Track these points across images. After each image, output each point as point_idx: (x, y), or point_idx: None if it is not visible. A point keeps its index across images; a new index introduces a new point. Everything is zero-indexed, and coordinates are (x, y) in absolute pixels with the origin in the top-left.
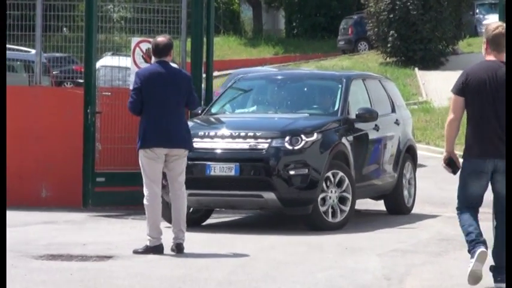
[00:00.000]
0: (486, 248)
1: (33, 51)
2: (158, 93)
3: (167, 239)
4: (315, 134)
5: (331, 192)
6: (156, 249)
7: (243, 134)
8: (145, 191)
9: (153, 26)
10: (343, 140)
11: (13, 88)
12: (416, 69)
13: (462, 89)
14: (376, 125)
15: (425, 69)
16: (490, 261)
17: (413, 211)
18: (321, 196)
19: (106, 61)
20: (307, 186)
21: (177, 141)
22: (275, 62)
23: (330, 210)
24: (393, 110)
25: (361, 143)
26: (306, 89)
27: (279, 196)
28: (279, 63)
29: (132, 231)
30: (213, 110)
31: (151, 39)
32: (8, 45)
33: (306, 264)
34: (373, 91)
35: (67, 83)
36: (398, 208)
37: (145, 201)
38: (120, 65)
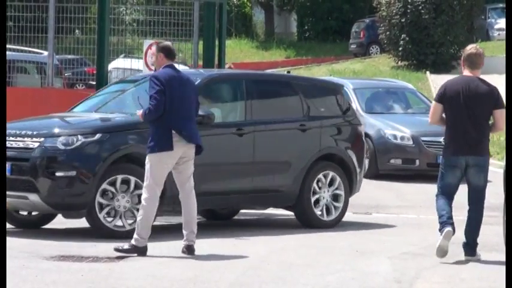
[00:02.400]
0: (453, 229)
1: (45, 53)
2: (178, 96)
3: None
4: (98, 135)
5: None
6: (141, 250)
7: (22, 132)
8: (146, 193)
9: (165, 28)
10: None
11: (25, 89)
12: (427, 73)
13: (440, 98)
14: (239, 129)
15: (437, 73)
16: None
17: (423, 215)
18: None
19: (118, 63)
20: (75, 189)
21: (196, 141)
22: (287, 65)
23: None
24: (306, 115)
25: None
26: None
27: (43, 198)
28: (290, 66)
29: None
30: (76, 109)
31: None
32: (20, 47)
33: (316, 266)
34: (264, 93)
35: (79, 85)
36: (307, 221)
37: (144, 203)
38: (132, 67)
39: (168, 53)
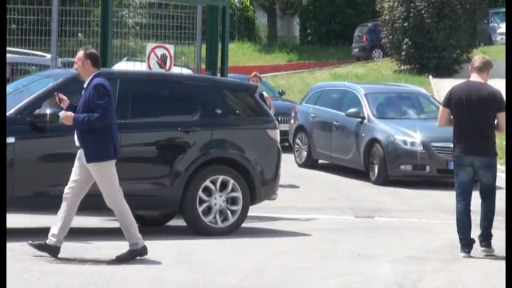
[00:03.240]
0: (469, 249)
1: (48, 56)
2: (114, 106)
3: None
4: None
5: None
6: (141, 251)
7: None
8: (115, 206)
9: (168, 31)
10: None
11: None
12: (430, 77)
13: (447, 103)
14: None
15: (440, 77)
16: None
17: (425, 219)
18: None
19: (121, 66)
20: None
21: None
22: (289, 68)
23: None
24: (196, 117)
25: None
26: None
27: None
28: (293, 69)
29: (145, 235)
30: None
31: (166, 45)
32: (23, 50)
33: (318, 270)
34: (143, 94)
35: None
36: (198, 229)
37: (118, 216)
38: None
39: (95, 61)
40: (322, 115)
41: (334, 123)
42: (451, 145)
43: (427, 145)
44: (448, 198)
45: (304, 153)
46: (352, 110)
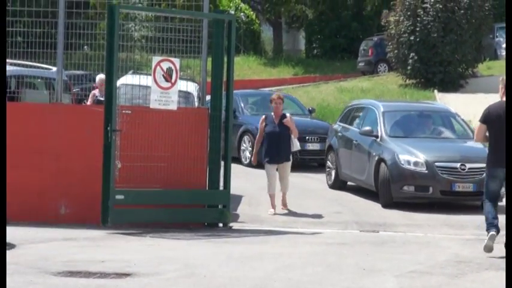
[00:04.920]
0: (497, 230)
1: (54, 68)
2: None
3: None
4: None
5: None
6: None
7: None
8: None
9: (174, 45)
10: None
11: (34, 105)
12: (435, 91)
13: (484, 119)
14: None
15: (445, 92)
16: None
17: (430, 233)
18: None
19: (127, 79)
20: None
21: None
22: (295, 82)
23: None
24: None
25: None
26: None
27: None
28: (298, 83)
29: (150, 249)
30: None
31: (172, 59)
32: (29, 63)
33: (323, 284)
34: None
35: (87, 101)
36: None
37: None
38: (141, 84)
39: None
40: (346, 134)
41: (354, 142)
42: (456, 165)
43: (431, 165)
44: (453, 213)
45: (333, 174)
46: (365, 129)
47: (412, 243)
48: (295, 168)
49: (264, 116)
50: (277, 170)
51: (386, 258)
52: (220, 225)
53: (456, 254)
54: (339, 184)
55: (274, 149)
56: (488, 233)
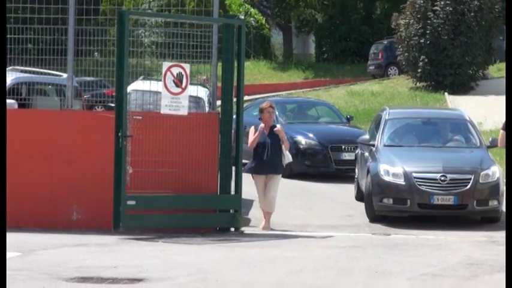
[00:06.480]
0: None
1: (64, 75)
2: None
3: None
4: None
5: None
6: None
7: None
8: None
9: (184, 50)
10: None
11: (45, 112)
12: (446, 94)
13: (505, 126)
14: None
15: (455, 94)
16: None
17: (442, 236)
18: None
19: (137, 85)
20: None
21: None
22: (305, 86)
23: None
24: None
25: None
26: None
27: None
28: (309, 87)
29: (162, 254)
30: None
31: (182, 64)
32: (40, 69)
33: (336, 287)
34: None
35: (98, 107)
36: None
37: None
38: (151, 89)
39: None
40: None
41: (360, 151)
42: (436, 176)
43: (408, 176)
44: (463, 216)
45: (355, 185)
46: (362, 137)
47: (424, 246)
48: (331, 178)
49: (253, 127)
50: None
51: (399, 261)
52: (232, 229)
53: (468, 256)
54: (361, 195)
55: (261, 160)
56: None
